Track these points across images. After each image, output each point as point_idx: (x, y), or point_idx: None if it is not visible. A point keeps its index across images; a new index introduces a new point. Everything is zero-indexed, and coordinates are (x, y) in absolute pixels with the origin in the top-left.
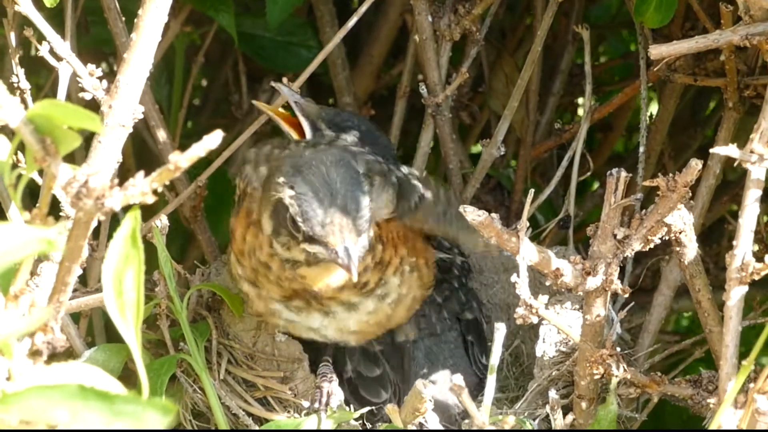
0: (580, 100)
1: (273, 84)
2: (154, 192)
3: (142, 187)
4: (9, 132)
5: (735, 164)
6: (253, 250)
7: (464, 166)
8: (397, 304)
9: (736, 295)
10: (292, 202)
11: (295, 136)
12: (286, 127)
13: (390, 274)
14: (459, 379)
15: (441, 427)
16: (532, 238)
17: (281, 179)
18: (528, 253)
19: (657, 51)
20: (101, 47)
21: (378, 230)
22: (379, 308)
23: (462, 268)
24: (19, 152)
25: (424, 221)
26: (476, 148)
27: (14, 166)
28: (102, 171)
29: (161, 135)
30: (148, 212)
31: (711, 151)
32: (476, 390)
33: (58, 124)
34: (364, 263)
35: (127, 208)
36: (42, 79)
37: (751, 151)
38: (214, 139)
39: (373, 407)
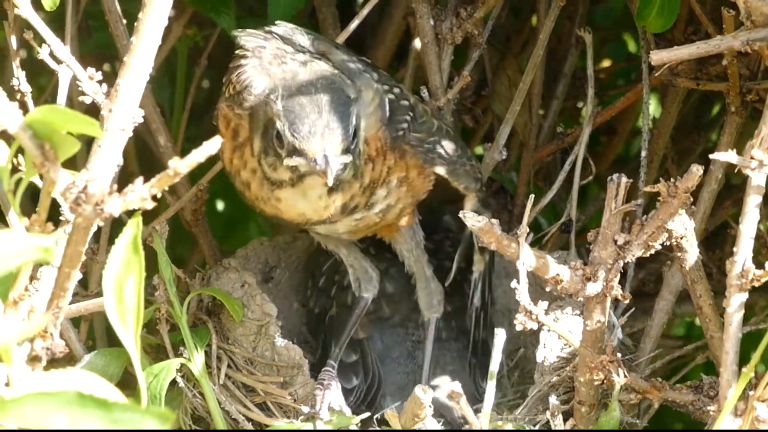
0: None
1: None
2: (154, 198)
3: (142, 192)
4: (7, 136)
5: (736, 169)
6: (238, 171)
7: None
8: (384, 213)
9: (736, 302)
10: (279, 115)
11: None
12: None
13: (376, 188)
14: (457, 386)
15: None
16: (535, 242)
17: (272, 96)
18: (528, 259)
19: (658, 57)
20: (103, 50)
21: (366, 148)
22: (366, 216)
23: (482, 293)
24: (19, 155)
25: (414, 156)
26: (479, 151)
27: (14, 170)
28: (101, 176)
29: (162, 138)
30: (150, 215)
31: (710, 156)
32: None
33: (57, 130)
34: (351, 191)
35: (130, 212)
36: (45, 80)
37: (751, 158)
38: (213, 144)
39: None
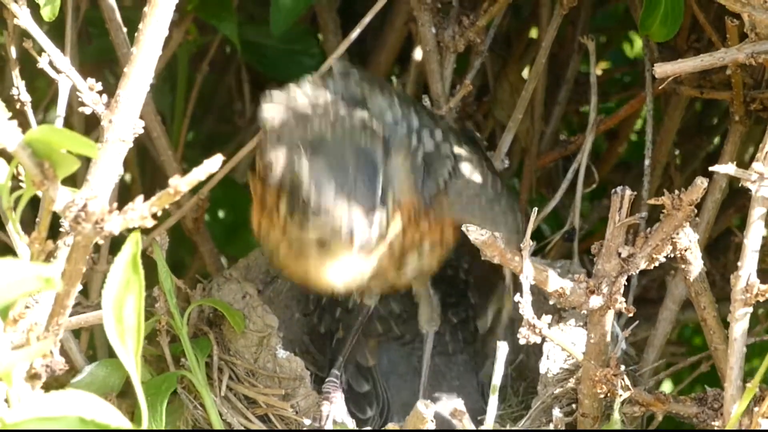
0: (585, 109)
1: None
2: (154, 216)
3: (142, 211)
4: (6, 153)
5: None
6: (266, 234)
7: None
8: (413, 275)
9: (740, 316)
10: (304, 181)
11: None
12: None
13: (407, 255)
14: (459, 404)
15: None
16: (537, 251)
17: (297, 163)
18: (531, 272)
19: (662, 70)
20: (104, 58)
21: (397, 217)
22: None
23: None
24: (19, 169)
25: (451, 209)
26: None
27: (13, 188)
28: (101, 191)
29: (163, 147)
30: None
31: (710, 169)
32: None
33: (56, 148)
34: (380, 264)
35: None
36: (44, 90)
37: (753, 171)
38: (214, 163)
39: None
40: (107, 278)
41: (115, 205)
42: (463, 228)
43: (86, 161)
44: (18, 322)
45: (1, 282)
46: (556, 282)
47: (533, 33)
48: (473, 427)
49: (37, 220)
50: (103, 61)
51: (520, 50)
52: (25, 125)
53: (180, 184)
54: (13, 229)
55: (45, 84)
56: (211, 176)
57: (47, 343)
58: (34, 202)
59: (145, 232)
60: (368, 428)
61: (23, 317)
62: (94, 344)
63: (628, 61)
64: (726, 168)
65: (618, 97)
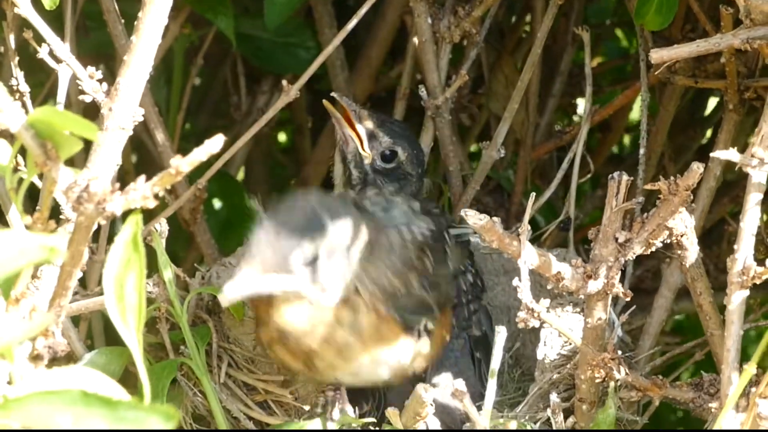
0: (580, 101)
1: (334, 95)
2: (156, 196)
3: (144, 191)
4: (9, 135)
5: (737, 167)
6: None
7: (464, 167)
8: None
9: (737, 299)
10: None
11: (357, 141)
12: (349, 131)
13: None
14: (461, 384)
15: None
16: (533, 240)
17: None
18: (529, 256)
19: (658, 55)
20: (102, 50)
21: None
22: None
23: (473, 285)
24: (19, 155)
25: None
26: (476, 150)
27: (15, 169)
28: (102, 175)
29: (160, 137)
30: (148, 215)
31: (711, 155)
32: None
33: (58, 130)
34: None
35: (125, 213)
36: (43, 79)
37: (752, 156)
38: (215, 143)
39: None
40: (107, 258)
41: (117, 185)
42: (462, 212)
43: (86, 150)
44: (20, 301)
45: (4, 252)
46: (554, 266)
47: (528, 26)
48: (474, 408)
49: (38, 207)
50: (100, 55)
51: (515, 42)
52: None
53: (181, 164)
54: (16, 209)
55: (45, 77)
56: (208, 166)
57: (48, 317)
58: (32, 195)
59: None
60: (370, 428)
61: (25, 297)
62: (91, 335)
63: (623, 52)
64: (727, 153)
65: (612, 89)
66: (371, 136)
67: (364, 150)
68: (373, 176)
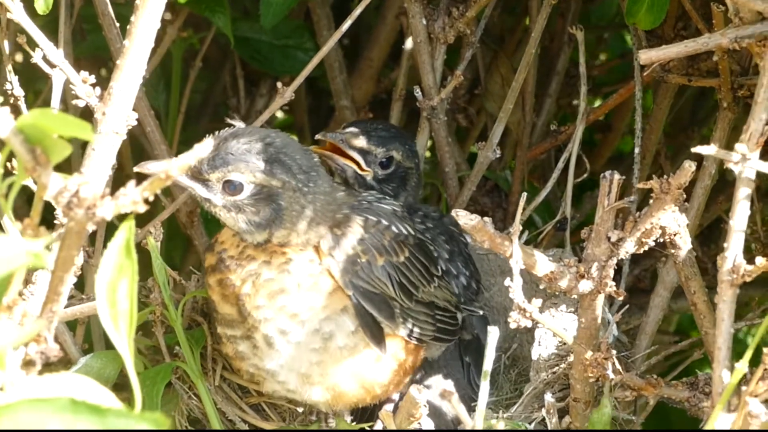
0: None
1: (318, 137)
2: (146, 201)
3: (134, 196)
4: None
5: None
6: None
7: (461, 168)
8: None
9: (727, 297)
10: None
11: (354, 166)
12: (343, 161)
13: None
14: (449, 384)
15: None
16: (530, 240)
17: None
18: (521, 256)
19: (647, 56)
20: (98, 53)
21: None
22: None
23: (465, 287)
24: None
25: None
26: (473, 150)
27: (6, 174)
28: (95, 179)
29: (157, 141)
30: (145, 217)
31: (693, 150)
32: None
33: (48, 133)
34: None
35: (123, 216)
36: (41, 85)
37: (734, 151)
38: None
39: None
40: (100, 264)
41: (108, 190)
42: (453, 212)
43: (80, 155)
44: (12, 308)
45: None
46: (545, 266)
47: (525, 23)
48: (463, 407)
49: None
50: (98, 58)
51: (511, 43)
52: None
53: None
54: (6, 215)
55: (43, 85)
56: None
57: (40, 323)
58: (30, 198)
59: (139, 226)
60: (378, 429)
61: (17, 304)
62: (90, 338)
63: (624, 51)
64: (708, 149)
65: (609, 89)
66: (365, 154)
67: (363, 170)
68: (379, 186)
